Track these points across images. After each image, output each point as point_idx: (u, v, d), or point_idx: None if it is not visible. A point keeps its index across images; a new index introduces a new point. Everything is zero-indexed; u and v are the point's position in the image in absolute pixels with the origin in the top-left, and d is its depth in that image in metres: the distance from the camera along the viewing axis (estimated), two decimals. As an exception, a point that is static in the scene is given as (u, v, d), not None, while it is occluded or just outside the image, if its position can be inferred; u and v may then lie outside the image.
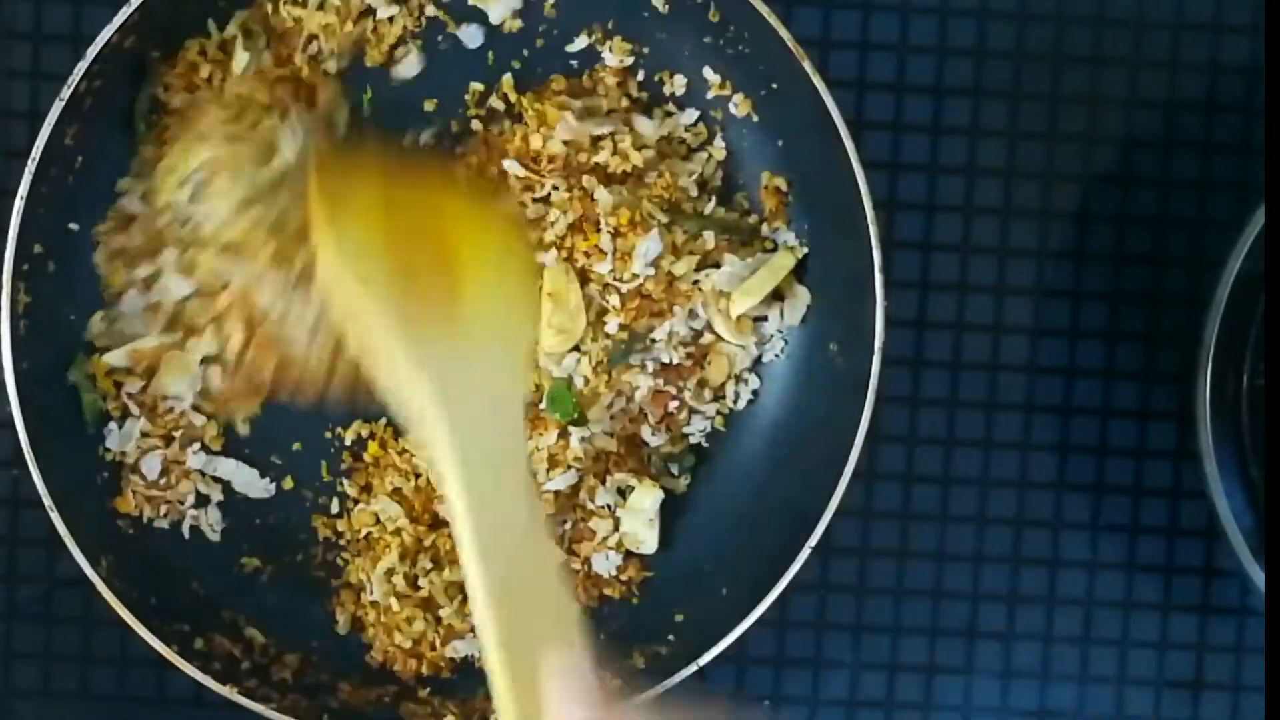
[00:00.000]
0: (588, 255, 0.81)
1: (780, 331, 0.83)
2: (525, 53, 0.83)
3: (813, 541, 0.77)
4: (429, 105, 0.82)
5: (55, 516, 0.77)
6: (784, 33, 0.77)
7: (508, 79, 0.82)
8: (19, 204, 0.76)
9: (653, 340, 0.82)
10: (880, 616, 0.86)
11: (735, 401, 0.84)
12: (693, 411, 0.83)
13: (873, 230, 0.77)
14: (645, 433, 0.83)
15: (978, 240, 0.86)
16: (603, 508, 0.82)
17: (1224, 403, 0.79)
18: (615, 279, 0.81)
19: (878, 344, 0.77)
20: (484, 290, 0.73)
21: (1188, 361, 0.81)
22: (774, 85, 0.80)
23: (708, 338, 0.83)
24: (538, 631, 0.64)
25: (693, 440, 0.84)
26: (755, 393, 0.84)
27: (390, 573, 0.82)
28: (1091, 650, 0.86)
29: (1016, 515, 0.86)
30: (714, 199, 0.82)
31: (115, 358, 0.80)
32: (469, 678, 0.83)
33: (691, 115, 0.83)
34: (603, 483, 0.82)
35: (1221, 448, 0.79)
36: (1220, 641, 0.86)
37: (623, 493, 0.83)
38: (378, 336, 0.71)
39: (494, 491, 0.67)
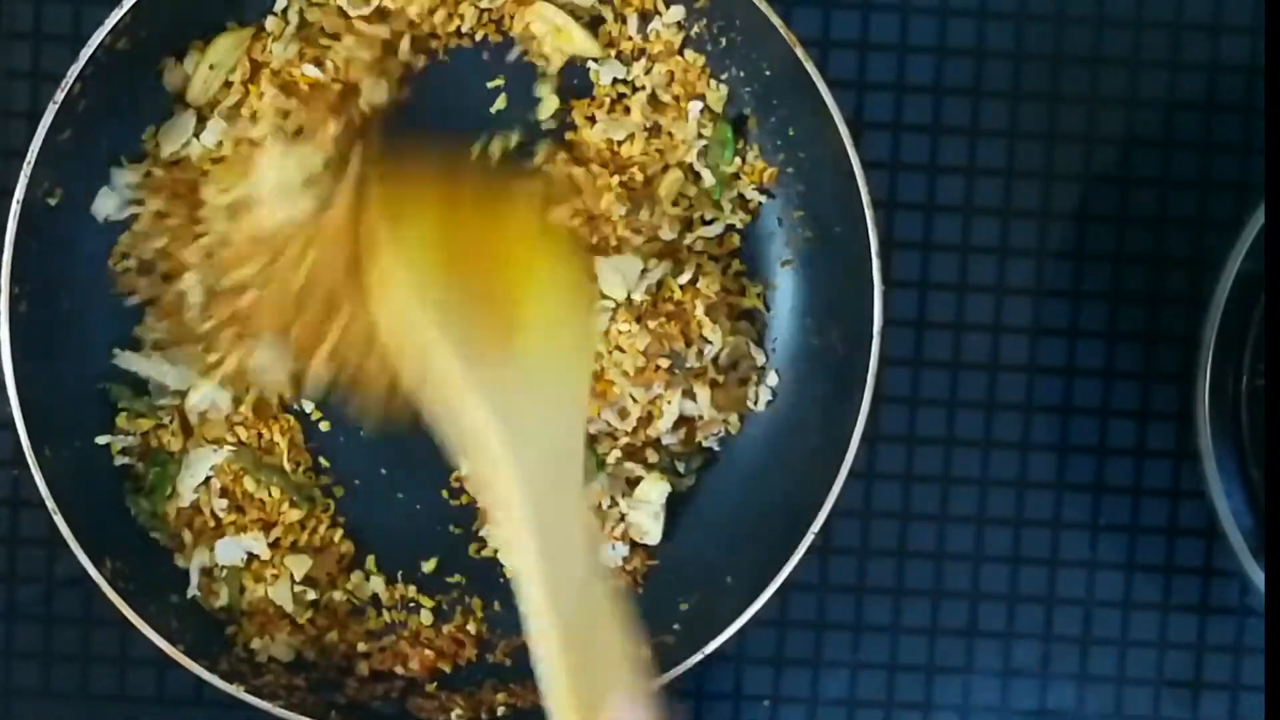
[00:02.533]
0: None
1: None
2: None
3: (815, 527, 0.78)
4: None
5: (58, 518, 0.77)
6: (785, 31, 0.77)
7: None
8: (15, 207, 0.76)
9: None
10: (880, 616, 0.86)
11: (755, 403, 0.84)
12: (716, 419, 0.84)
13: (872, 231, 0.77)
14: (663, 432, 0.83)
15: (978, 240, 0.86)
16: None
17: (1224, 403, 0.79)
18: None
19: (875, 342, 0.77)
20: (543, 317, 0.71)
21: (1188, 361, 0.81)
22: (768, 73, 0.81)
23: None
24: (603, 675, 0.63)
25: (705, 444, 0.84)
26: (774, 392, 0.84)
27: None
28: (1091, 650, 0.86)
29: (1016, 515, 0.86)
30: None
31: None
32: (475, 672, 0.83)
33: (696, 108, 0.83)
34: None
35: (1221, 448, 0.79)
36: (1220, 641, 0.86)
37: (630, 484, 0.83)
38: (436, 361, 0.69)
39: (556, 525, 0.65)
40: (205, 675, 0.78)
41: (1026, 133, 0.86)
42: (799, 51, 0.77)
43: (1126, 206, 0.86)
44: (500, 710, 0.80)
